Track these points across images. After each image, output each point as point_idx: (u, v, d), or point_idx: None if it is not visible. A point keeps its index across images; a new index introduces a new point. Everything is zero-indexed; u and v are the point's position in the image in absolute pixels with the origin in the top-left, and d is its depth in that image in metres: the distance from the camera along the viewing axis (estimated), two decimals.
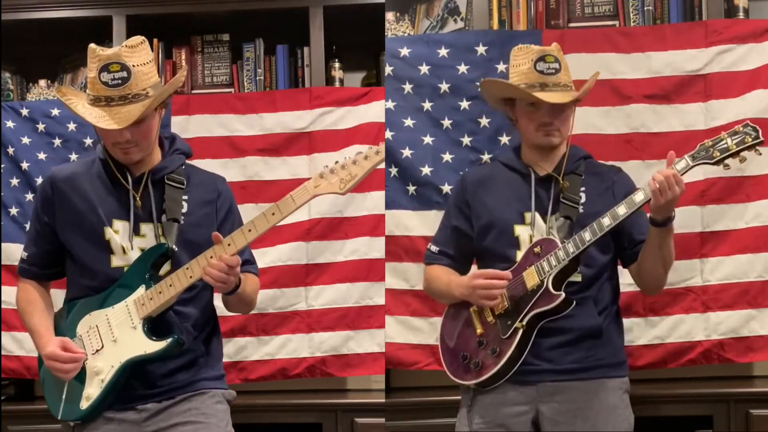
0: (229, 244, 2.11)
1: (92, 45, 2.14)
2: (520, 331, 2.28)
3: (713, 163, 2.18)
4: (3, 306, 3.22)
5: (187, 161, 2.36)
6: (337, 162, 2.10)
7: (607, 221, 2.23)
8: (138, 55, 2.13)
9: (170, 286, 2.13)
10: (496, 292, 2.29)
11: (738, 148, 2.15)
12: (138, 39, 2.16)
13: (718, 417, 2.94)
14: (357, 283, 3.23)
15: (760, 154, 2.21)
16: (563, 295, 2.25)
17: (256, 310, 3.22)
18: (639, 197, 2.22)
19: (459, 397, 2.45)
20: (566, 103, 2.35)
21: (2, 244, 3.23)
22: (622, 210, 2.23)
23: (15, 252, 3.17)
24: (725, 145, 2.16)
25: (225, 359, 2.40)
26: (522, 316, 2.28)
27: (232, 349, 3.23)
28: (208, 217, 2.29)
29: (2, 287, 3.19)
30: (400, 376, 3.30)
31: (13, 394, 3.40)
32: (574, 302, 2.27)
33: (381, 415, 3.05)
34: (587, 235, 2.24)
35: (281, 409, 3.21)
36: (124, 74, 2.10)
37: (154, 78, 2.16)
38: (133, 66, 2.11)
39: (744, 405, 2.93)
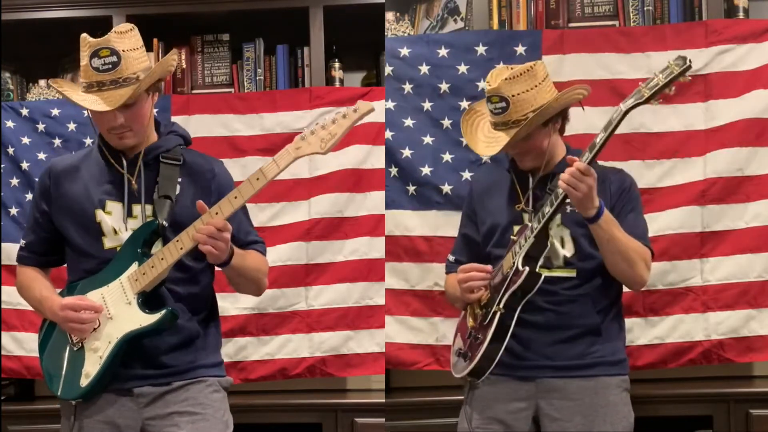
0: (216, 213, 2.10)
1: (84, 34, 2.16)
2: (498, 315, 2.28)
3: (644, 102, 2.16)
4: (3, 306, 3.22)
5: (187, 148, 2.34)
6: (317, 123, 2.11)
7: (561, 190, 2.20)
8: (127, 40, 2.16)
9: (162, 259, 2.13)
10: (475, 284, 2.32)
11: (666, 80, 2.13)
12: (128, 26, 2.19)
13: (718, 417, 2.94)
14: (357, 283, 3.23)
15: (689, 79, 2.17)
16: (527, 269, 2.25)
17: (257, 310, 3.24)
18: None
19: (459, 397, 2.46)
20: (506, 147, 2.32)
21: (2, 244, 3.23)
22: None
23: (15, 252, 3.14)
24: (655, 82, 2.15)
25: (225, 359, 2.39)
26: (498, 299, 2.29)
27: (232, 349, 3.22)
28: (201, 198, 2.24)
29: (2, 287, 3.19)
30: (400, 376, 3.30)
31: (13, 394, 3.40)
32: (543, 276, 2.26)
33: (381, 415, 3.05)
34: (546, 208, 2.24)
35: (281, 409, 3.21)
36: (114, 59, 2.11)
37: (145, 63, 2.19)
38: (123, 51, 2.13)
39: (744, 405, 2.94)
